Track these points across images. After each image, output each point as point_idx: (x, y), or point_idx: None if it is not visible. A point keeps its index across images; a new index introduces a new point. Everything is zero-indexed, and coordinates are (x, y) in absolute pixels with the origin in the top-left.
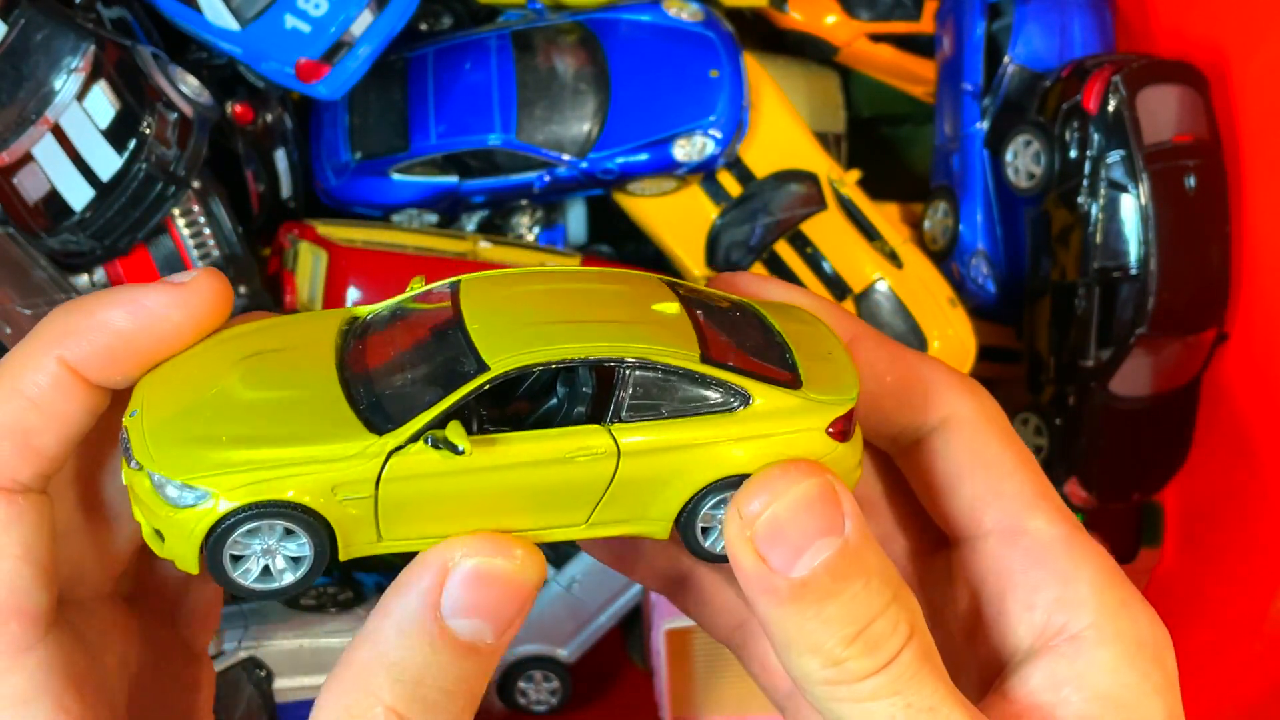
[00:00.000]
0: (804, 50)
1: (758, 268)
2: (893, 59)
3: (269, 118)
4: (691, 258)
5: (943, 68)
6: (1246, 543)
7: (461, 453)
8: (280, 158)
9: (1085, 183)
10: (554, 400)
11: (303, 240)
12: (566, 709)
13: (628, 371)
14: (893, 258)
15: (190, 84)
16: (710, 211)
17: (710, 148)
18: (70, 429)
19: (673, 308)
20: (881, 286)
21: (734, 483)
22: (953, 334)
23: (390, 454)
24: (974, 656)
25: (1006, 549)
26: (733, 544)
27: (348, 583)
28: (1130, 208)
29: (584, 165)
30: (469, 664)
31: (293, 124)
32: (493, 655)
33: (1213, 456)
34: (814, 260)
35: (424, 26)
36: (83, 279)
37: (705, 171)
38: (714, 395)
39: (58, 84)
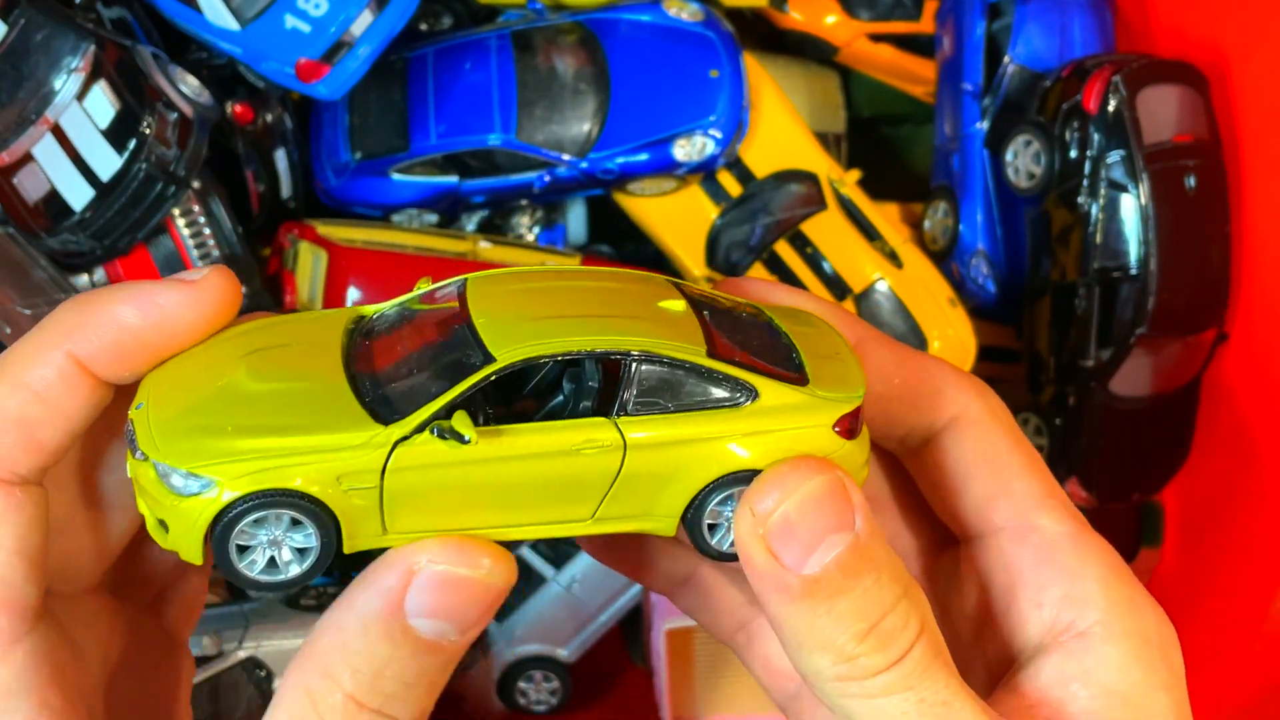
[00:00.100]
0: (804, 50)
1: (758, 268)
2: (893, 59)
3: (269, 118)
4: (691, 258)
5: (943, 68)
6: (1246, 543)
7: (467, 442)
8: (280, 158)
9: (1085, 183)
10: (560, 398)
11: (303, 240)
12: (566, 709)
13: (634, 365)
14: (893, 258)
15: (190, 84)
16: (710, 211)
17: (710, 148)
18: (73, 423)
19: (679, 305)
20: (881, 286)
21: (741, 478)
22: (953, 334)
23: (396, 444)
24: (981, 654)
25: (1015, 546)
26: (744, 541)
27: (347, 583)
28: (1130, 208)
29: (584, 165)
30: (430, 659)
31: (293, 124)
32: (456, 650)
33: (1213, 456)
34: (814, 260)
35: (424, 26)
36: (83, 279)
37: (705, 171)
38: (721, 390)
39: (58, 84)
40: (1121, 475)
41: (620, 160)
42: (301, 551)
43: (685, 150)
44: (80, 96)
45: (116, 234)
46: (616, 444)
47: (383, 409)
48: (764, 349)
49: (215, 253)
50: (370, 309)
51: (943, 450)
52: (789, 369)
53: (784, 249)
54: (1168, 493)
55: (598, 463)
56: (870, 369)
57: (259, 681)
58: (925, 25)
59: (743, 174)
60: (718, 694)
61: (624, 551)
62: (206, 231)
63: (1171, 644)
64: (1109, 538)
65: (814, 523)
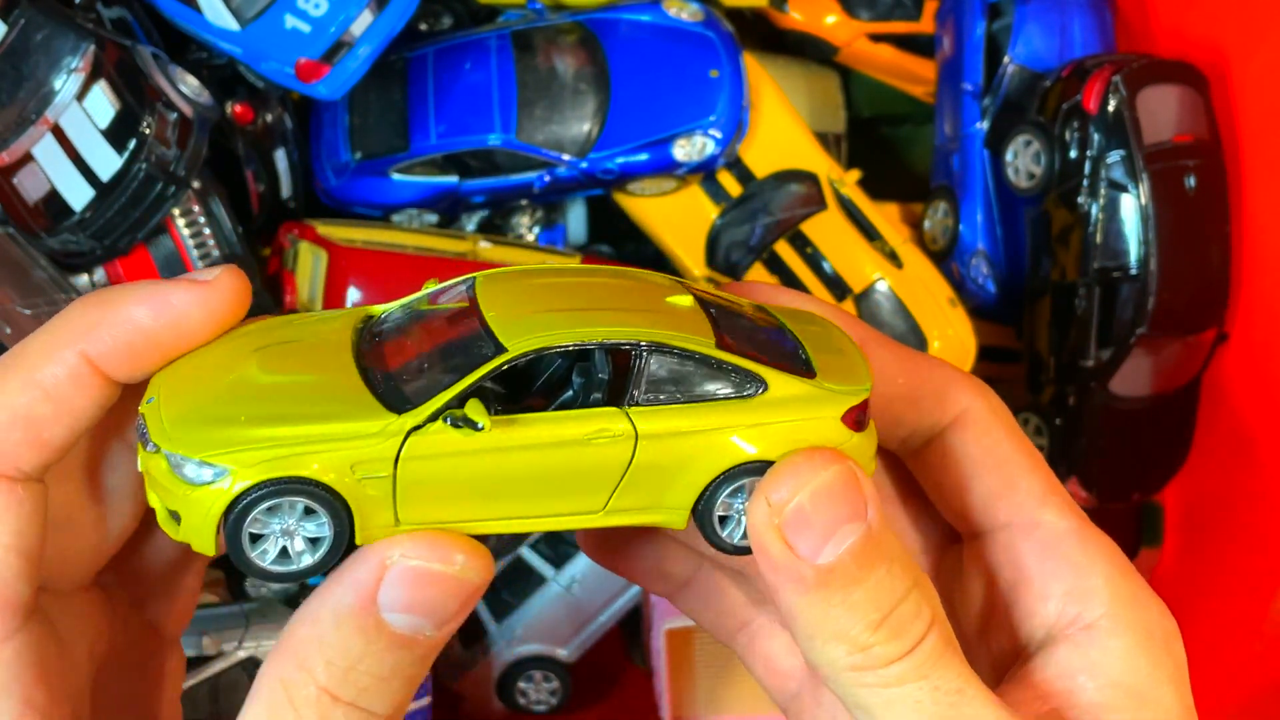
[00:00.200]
0: (804, 50)
1: (758, 268)
2: (893, 59)
3: (269, 118)
4: (691, 258)
5: (943, 68)
6: (1246, 543)
7: (481, 429)
8: (280, 158)
9: (1085, 183)
10: (570, 392)
11: (303, 240)
12: (566, 709)
13: (645, 356)
14: (893, 258)
15: (190, 84)
16: (710, 211)
17: (710, 148)
18: (80, 422)
19: (686, 300)
20: (881, 286)
21: (752, 469)
22: (953, 334)
23: (409, 433)
24: (986, 650)
25: (1021, 542)
26: (759, 530)
27: None
28: (1130, 208)
29: (584, 165)
30: (404, 654)
31: (293, 124)
32: (433, 644)
33: (1213, 456)
34: (814, 260)
35: (424, 26)
36: (83, 279)
37: (705, 171)
38: (730, 382)
39: (58, 84)
40: (1121, 475)
41: (620, 160)
42: (314, 542)
43: (685, 150)
44: (80, 96)
45: (116, 234)
46: (628, 434)
47: (395, 399)
48: (770, 344)
49: (215, 253)
50: (378, 308)
51: (947, 449)
52: (796, 363)
53: (784, 249)
54: (1168, 493)
55: (609, 453)
56: (873, 370)
57: None
58: (925, 25)
59: (743, 174)
60: (718, 694)
61: (624, 555)
62: (206, 231)
63: (1175, 637)
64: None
65: (828, 513)
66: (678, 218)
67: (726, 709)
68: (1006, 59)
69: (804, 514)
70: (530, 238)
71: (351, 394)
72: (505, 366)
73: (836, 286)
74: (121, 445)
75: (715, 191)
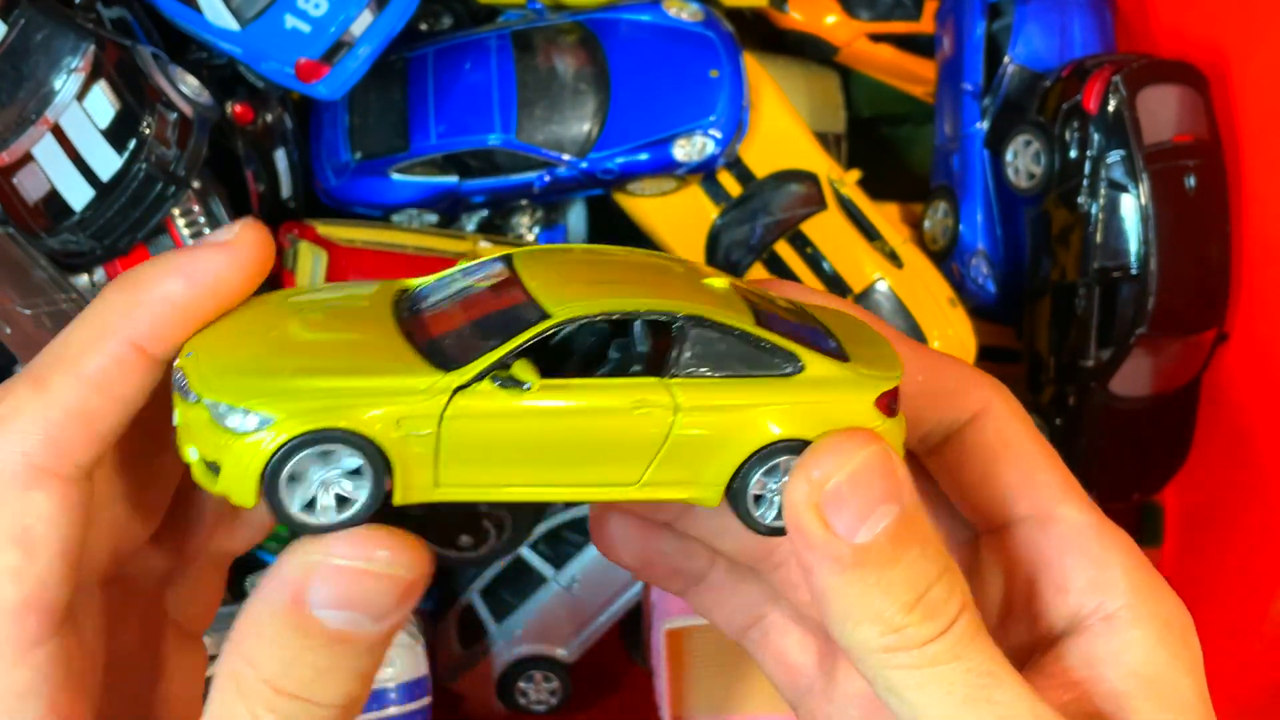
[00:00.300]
0: (804, 50)
1: (758, 268)
2: (893, 59)
3: (269, 118)
4: (691, 258)
5: (943, 68)
6: (1246, 543)
7: (528, 388)
8: (280, 158)
9: (1085, 183)
10: (608, 366)
11: (303, 240)
12: (566, 709)
13: (686, 328)
14: (893, 258)
15: (190, 84)
16: (710, 211)
17: (710, 148)
18: (130, 408)
19: (721, 282)
20: (881, 286)
21: (788, 447)
22: (953, 334)
23: (455, 391)
24: (1004, 643)
25: (1040, 535)
26: (797, 509)
27: None
28: (1130, 208)
29: (584, 165)
30: (344, 648)
31: (293, 124)
32: (376, 637)
33: (1213, 456)
34: (814, 260)
35: (424, 26)
36: (83, 279)
37: (705, 171)
38: (768, 359)
39: (58, 84)
40: (1121, 475)
41: (620, 160)
42: (347, 500)
43: (685, 150)
44: (80, 96)
45: (116, 234)
46: (668, 405)
47: (441, 360)
48: (804, 329)
49: None
50: (414, 281)
51: (966, 445)
52: (829, 348)
53: (784, 249)
54: (1168, 493)
55: (649, 424)
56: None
57: None
58: (925, 25)
59: (743, 174)
60: (718, 694)
61: (637, 551)
62: (206, 232)
63: (1191, 630)
64: None
65: (866, 493)
66: (678, 218)
67: (727, 709)
68: (1006, 59)
69: (841, 493)
70: (530, 238)
71: (397, 352)
72: (551, 331)
73: (836, 286)
74: (147, 435)
75: (715, 191)
